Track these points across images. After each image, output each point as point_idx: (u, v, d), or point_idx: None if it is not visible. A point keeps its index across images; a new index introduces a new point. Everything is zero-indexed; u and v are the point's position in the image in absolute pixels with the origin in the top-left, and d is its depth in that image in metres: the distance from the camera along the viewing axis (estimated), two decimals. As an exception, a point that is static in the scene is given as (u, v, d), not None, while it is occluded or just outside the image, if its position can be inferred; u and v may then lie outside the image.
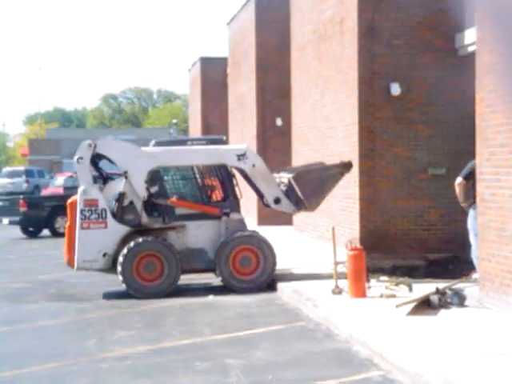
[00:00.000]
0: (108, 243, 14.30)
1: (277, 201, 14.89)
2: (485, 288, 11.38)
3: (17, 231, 28.48)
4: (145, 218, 14.47)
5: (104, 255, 14.31)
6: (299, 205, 15.07)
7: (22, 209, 27.45)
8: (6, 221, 28.17)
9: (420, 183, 16.05)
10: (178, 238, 14.63)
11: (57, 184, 35.29)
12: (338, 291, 12.96)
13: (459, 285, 12.41)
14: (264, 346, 10.31)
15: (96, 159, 14.73)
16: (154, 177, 14.70)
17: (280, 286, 14.45)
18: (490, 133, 11.19)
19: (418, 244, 15.96)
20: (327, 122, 18.38)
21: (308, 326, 11.42)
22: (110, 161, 14.63)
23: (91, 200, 14.24)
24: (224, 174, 15.08)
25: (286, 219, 23.26)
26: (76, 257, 14.30)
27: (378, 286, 13.36)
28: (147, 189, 14.47)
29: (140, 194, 14.36)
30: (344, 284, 12.93)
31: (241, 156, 14.68)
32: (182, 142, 15.80)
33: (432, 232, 16.03)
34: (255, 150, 27.04)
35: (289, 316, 12.25)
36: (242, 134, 29.84)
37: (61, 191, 30.77)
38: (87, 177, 14.38)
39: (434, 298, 11.45)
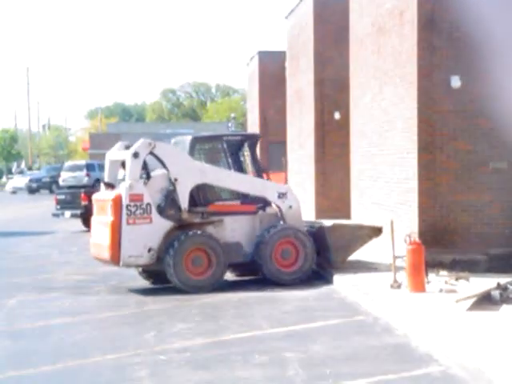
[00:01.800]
0: (153, 238, 14.37)
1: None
2: (547, 284, 11.18)
3: (78, 224, 28.94)
4: (186, 214, 14.62)
5: (149, 250, 14.37)
6: (321, 256, 15.33)
7: (84, 202, 27.87)
8: (67, 214, 28.66)
9: (481, 177, 15.82)
10: (216, 232, 14.86)
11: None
12: (396, 285, 12.88)
13: (521, 280, 12.22)
14: (322, 339, 10.30)
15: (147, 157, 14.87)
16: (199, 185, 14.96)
17: (338, 279, 14.42)
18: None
19: (478, 238, 15.74)
20: (386, 115, 18.24)
21: (366, 321, 11.38)
22: (162, 163, 14.75)
23: (137, 195, 14.30)
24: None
25: (344, 212, 23.20)
26: (122, 252, 14.25)
27: (438, 280, 13.24)
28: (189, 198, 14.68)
29: (182, 204, 14.55)
30: (403, 278, 12.84)
31: (281, 194, 15.14)
32: (218, 138, 15.83)
33: (493, 226, 15.79)
34: (313, 144, 27.10)
35: (347, 310, 12.21)
36: (300, 127, 29.80)
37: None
38: (137, 173, 14.44)
39: (496, 294, 11.30)
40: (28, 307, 13.72)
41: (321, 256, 15.30)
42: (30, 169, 76.85)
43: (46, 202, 40.80)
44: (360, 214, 20.97)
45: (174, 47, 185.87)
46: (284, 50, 34.61)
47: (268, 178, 15.62)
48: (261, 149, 41.64)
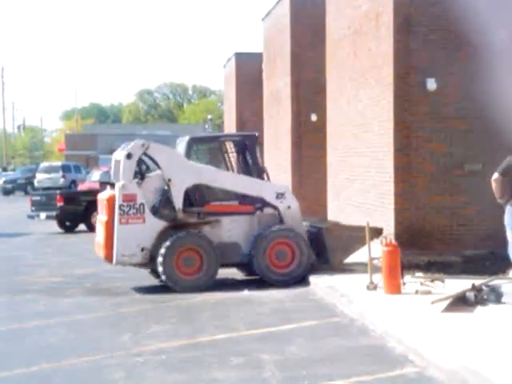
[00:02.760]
0: (146, 238, 14.49)
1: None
2: (522, 285, 11.26)
3: (54, 226, 28.76)
4: (181, 213, 14.64)
5: (142, 249, 14.50)
6: (320, 257, 15.28)
7: (59, 204, 27.74)
8: (43, 215, 28.48)
9: (456, 179, 15.93)
10: (213, 232, 14.82)
11: (93, 179, 35.58)
12: (372, 287, 12.92)
13: (496, 281, 12.29)
14: (298, 341, 10.31)
15: (141, 158, 14.87)
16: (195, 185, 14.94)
17: (314, 281, 14.44)
18: (527, 128, 11.06)
19: (453, 240, 15.85)
20: (362, 117, 18.31)
21: (343, 322, 11.40)
22: (156, 164, 14.80)
23: (130, 195, 14.45)
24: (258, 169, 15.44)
25: (320, 214, 23.24)
26: (115, 251, 14.46)
27: (413, 282, 13.28)
28: (184, 199, 14.67)
29: (176, 204, 14.58)
30: (379, 280, 12.89)
31: (279, 195, 15.01)
32: (216, 138, 15.89)
33: (468, 228, 15.90)
34: (289, 146, 27.13)
35: (323, 311, 12.24)
36: (277, 129, 29.83)
37: (97, 186, 31.03)
38: (130, 173, 14.57)
39: (470, 295, 11.35)
40: (2, 309, 13.62)
41: (320, 257, 15.24)
42: (4, 170, 76.33)
43: (21, 204, 40.49)
44: (336, 216, 21.02)
45: (151, 48, 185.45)
46: (261, 51, 34.65)
47: (268, 179, 15.49)
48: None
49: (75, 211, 27.59)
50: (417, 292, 12.49)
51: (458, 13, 15.77)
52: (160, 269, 14.40)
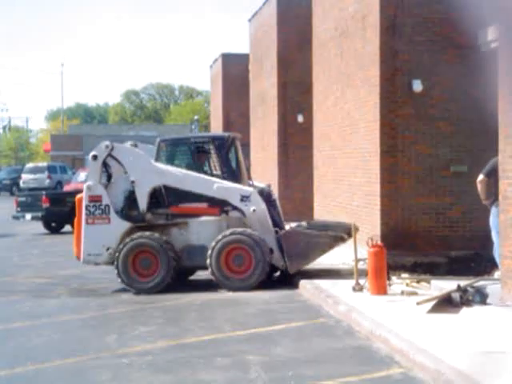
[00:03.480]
0: (111, 238, 14.74)
1: (269, 251, 14.58)
2: (507, 286, 11.32)
3: (39, 227, 28.67)
4: (149, 215, 14.83)
5: (107, 249, 14.76)
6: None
7: (45, 204, 27.65)
8: (28, 216, 28.38)
9: (442, 180, 15.98)
10: (181, 234, 14.88)
11: (79, 180, 35.43)
12: (358, 288, 12.94)
13: (481, 282, 12.36)
14: (284, 342, 10.31)
15: (108, 159, 15.08)
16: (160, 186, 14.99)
17: (301, 282, 14.44)
18: (512, 130, 11.10)
19: (439, 241, 15.89)
20: (348, 118, 18.34)
21: (329, 323, 11.41)
22: (121, 165, 14.97)
23: (96, 196, 14.82)
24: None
25: (307, 215, 23.26)
26: (82, 250, 14.83)
27: (399, 283, 13.33)
28: (148, 200, 14.80)
29: (140, 206, 14.77)
30: (365, 281, 12.91)
31: (244, 197, 14.65)
32: (186, 140, 15.85)
33: (454, 229, 15.95)
34: (276, 147, 27.15)
35: (309, 313, 12.24)
36: (264, 130, 29.85)
37: (83, 187, 30.94)
38: (96, 174, 14.96)
39: (456, 296, 11.39)
40: (-13, 311, 13.56)
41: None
42: (-10, 171, 76.01)
43: (7, 205, 40.33)
44: (323, 217, 21.04)
45: (137, 48, 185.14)
46: (247, 52, 34.67)
47: (249, 179, 15.38)
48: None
49: (61, 212, 27.50)
50: (402, 293, 12.53)
51: (444, 14, 15.84)
52: (116, 270, 14.64)
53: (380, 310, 11.30)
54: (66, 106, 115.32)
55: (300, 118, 26.68)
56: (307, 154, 23.64)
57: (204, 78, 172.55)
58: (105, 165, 15.06)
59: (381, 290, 12.57)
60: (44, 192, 29.99)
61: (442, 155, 16.00)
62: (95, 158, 14.93)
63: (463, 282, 11.99)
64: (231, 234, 14.47)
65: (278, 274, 15.48)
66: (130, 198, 14.86)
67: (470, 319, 10.53)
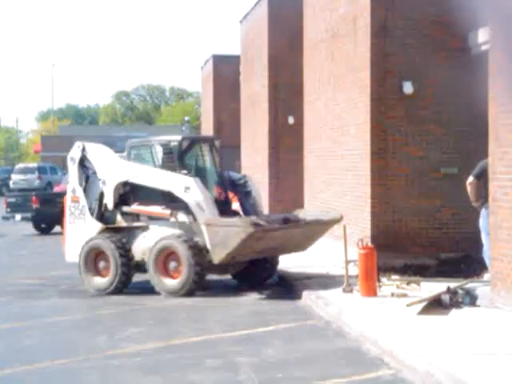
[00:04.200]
0: (87, 237, 15.09)
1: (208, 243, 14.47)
2: (496, 288, 11.35)
3: (29, 227, 28.58)
4: (118, 217, 15.21)
5: None
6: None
7: (35, 205, 27.57)
8: (18, 217, 28.29)
9: (432, 182, 16.01)
10: (144, 237, 14.95)
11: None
12: (348, 290, 12.95)
13: (471, 284, 12.38)
14: (274, 343, 10.31)
15: (83, 160, 15.57)
16: (125, 183, 15.23)
17: (291, 284, 14.45)
18: (502, 132, 11.15)
19: (429, 243, 15.92)
20: (339, 120, 18.36)
21: (319, 325, 11.42)
22: (91, 164, 15.47)
23: (75, 197, 15.47)
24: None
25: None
26: (66, 249, 15.58)
27: (389, 284, 13.34)
28: (116, 198, 15.13)
29: (108, 203, 15.14)
30: (355, 282, 12.92)
31: (187, 188, 14.51)
32: (147, 142, 15.87)
33: (444, 231, 15.99)
34: (267, 148, 27.15)
35: (300, 314, 12.25)
36: (254, 131, 29.85)
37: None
38: (74, 176, 15.52)
39: (446, 298, 11.43)
40: (-24, 311, 13.51)
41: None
42: (-21, 171, 75.70)
43: (-3, 205, 40.17)
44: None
45: (128, 49, 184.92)
46: (238, 53, 34.67)
47: (222, 170, 15.37)
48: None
49: (51, 213, 27.39)
50: (393, 295, 12.55)
51: (435, 17, 15.88)
52: (79, 269, 15.08)
53: (370, 312, 11.32)
54: (56, 107, 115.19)
55: (291, 120, 26.69)
56: (298, 156, 23.64)
57: (195, 79, 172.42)
58: (83, 166, 15.56)
59: (371, 291, 12.58)
60: (34, 193, 29.92)
61: (433, 157, 16.04)
62: (72, 159, 15.56)
63: (453, 284, 12.02)
64: (162, 239, 14.39)
65: (271, 279, 15.53)
66: (103, 199, 15.30)
67: (459, 321, 10.56)
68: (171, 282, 14.17)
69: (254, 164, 29.62)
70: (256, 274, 15.35)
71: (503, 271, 11.14)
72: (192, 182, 14.46)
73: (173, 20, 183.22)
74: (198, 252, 14.04)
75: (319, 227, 15.20)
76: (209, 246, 13.98)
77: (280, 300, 13.59)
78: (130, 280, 14.85)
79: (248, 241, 13.46)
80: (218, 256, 13.85)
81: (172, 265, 14.24)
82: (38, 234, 28.13)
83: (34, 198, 27.84)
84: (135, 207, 15.08)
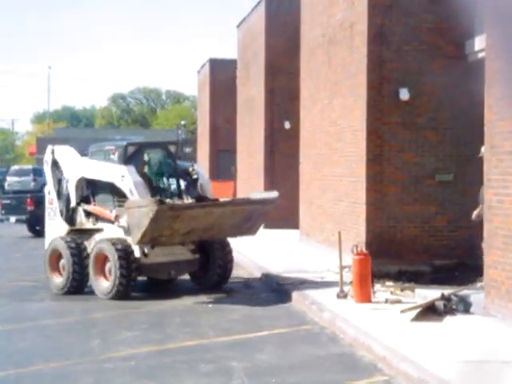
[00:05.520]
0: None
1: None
2: (490, 295, 11.36)
3: (23, 229, 28.53)
4: (83, 219, 15.61)
5: None
6: None
7: (29, 207, 27.53)
8: (12, 219, 28.24)
9: (427, 189, 16.03)
10: (98, 239, 15.16)
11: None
12: (343, 295, 12.95)
13: (465, 291, 12.40)
14: (268, 349, 10.31)
15: (56, 162, 16.09)
16: (85, 183, 15.67)
17: (285, 289, 14.44)
18: (498, 140, 11.17)
19: (424, 250, 15.94)
20: (335, 126, 18.38)
21: (313, 330, 11.42)
22: (60, 165, 16.01)
23: (51, 199, 16.15)
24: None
25: (292, 222, 23.29)
26: (46, 247, 15.95)
27: (384, 291, 13.35)
28: (79, 196, 15.64)
29: (72, 201, 15.64)
30: (349, 288, 12.92)
31: (122, 177, 14.89)
32: (102, 148, 16.03)
33: (438, 238, 16.00)
34: (262, 153, 27.15)
35: (294, 319, 12.24)
36: (250, 136, 29.86)
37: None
38: (49, 178, 16.14)
39: (440, 304, 11.43)
40: (-30, 313, 13.47)
41: None
42: (-26, 173, 75.47)
43: (-9, 207, 40.08)
44: (308, 225, 21.07)
45: (125, 52, 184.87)
46: (235, 58, 34.69)
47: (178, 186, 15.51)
48: (210, 157, 41.67)
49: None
50: (387, 301, 12.55)
51: (432, 24, 15.92)
52: (45, 269, 15.51)
53: (364, 318, 11.32)
54: (52, 109, 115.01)
55: (287, 125, 26.71)
56: (293, 161, 23.66)
57: (191, 83, 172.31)
58: (56, 169, 16.07)
59: (365, 297, 12.58)
60: (29, 195, 29.84)
61: (428, 164, 16.06)
62: (46, 163, 16.20)
63: (447, 291, 12.03)
64: (97, 243, 14.90)
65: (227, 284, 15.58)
66: (70, 201, 15.72)
67: (453, 328, 10.57)
68: (105, 284, 14.57)
69: (250, 168, 29.62)
70: (208, 277, 15.47)
71: (497, 279, 11.15)
72: (125, 170, 14.91)
73: (170, 23, 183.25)
74: (125, 255, 14.25)
75: (251, 207, 15.00)
76: (128, 230, 14.37)
77: (274, 305, 13.58)
78: (85, 280, 15.01)
79: (160, 220, 13.61)
80: (134, 237, 14.05)
81: (107, 267, 14.57)
82: (32, 237, 28.06)
83: (28, 200, 27.80)
84: (89, 207, 15.53)
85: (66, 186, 15.75)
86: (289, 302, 13.75)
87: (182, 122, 67.96)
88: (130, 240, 14.35)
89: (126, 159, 15.17)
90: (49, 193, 16.20)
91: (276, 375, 8.96)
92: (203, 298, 14.36)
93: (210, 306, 13.61)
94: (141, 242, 14.11)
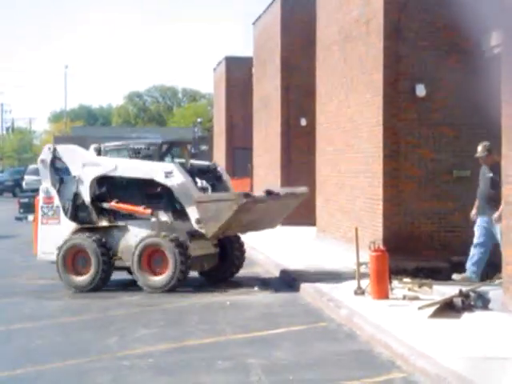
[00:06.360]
0: (61, 237, 15.41)
1: (198, 221, 14.77)
2: (509, 291, 11.30)
3: (41, 228, 28.57)
4: (94, 217, 15.50)
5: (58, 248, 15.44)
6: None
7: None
8: (31, 218, 28.29)
9: (444, 185, 15.97)
10: (121, 236, 15.33)
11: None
12: (360, 292, 12.93)
13: (483, 288, 12.34)
14: (286, 346, 10.31)
15: (55, 161, 15.94)
16: (102, 180, 15.64)
17: (302, 286, 14.44)
18: (515, 135, 11.10)
19: (441, 246, 15.89)
20: (352, 122, 18.35)
21: (330, 327, 11.41)
22: (65, 163, 15.85)
23: (49, 198, 15.78)
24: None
25: (309, 219, 23.27)
26: (38, 249, 15.93)
27: (401, 287, 13.32)
28: (93, 193, 15.54)
29: (85, 198, 15.47)
30: (366, 285, 12.90)
31: (168, 174, 14.95)
32: (127, 145, 16.27)
33: (456, 234, 15.94)
34: (279, 150, 27.15)
35: (311, 316, 12.24)
36: (266, 133, 29.86)
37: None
38: (47, 177, 15.82)
39: (458, 301, 11.38)
40: (-11, 312, 13.56)
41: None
42: (-8, 171, 75.96)
43: (9, 206, 40.34)
44: (325, 222, 21.05)
45: (141, 50, 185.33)
46: (251, 55, 34.69)
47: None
48: (226, 154, 41.72)
49: (63, 213, 27.44)
50: (404, 297, 12.52)
51: (447, 20, 15.85)
52: (57, 268, 15.30)
53: (382, 315, 11.29)
54: (69, 108, 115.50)
55: (303, 122, 26.69)
56: (310, 158, 23.64)
57: (207, 81, 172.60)
58: (55, 168, 15.92)
59: (382, 294, 12.56)
60: (47, 193, 29.91)
61: (445, 160, 16.00)
62: (42, 161, 15.85)
63: (465, 287, 11.98)
64: (148, 236, 14.85)
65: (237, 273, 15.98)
66: (78, 200, 15.59)
67: (471, 324, 10.52)
68: (155, 279, 14.68)
69: (266, 166, 29.62)
70: (224, 268, 15.94)
71: (516, 275, 11.08)
72: (173, 167, 15.08)
73: (185, 21, 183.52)
74: (183, 250, 14.61)
75: (291, 201, 15.91)
76: (196, 224, 14.60)
77: (291, 302, 13.58)
78: (109, 278, 15.32)
79: (239, 213, 14.19)
80: (211, 230, 14.54)
81: (156, 262, 14.69)
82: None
83: (46, 198, 27.88)
84: (115, 205, 15.43)
85: (76, 184, 15.55)
86: (306, 299, 13.75)
87: (199, 120, 68.05)
88: (174, 235, 14.67)
89: (161, 156, 15.61)
90: (46, 192, 15.78)
91: (293, 372, 8.96)
92: (220, 295, 14.39)
93: (228, 303, 13.62)
94: (215, 235, 14.76)
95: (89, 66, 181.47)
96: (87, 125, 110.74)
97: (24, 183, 50.72)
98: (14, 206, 31.75)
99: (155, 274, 14.76)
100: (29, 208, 28.58)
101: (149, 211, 15.08)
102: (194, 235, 15.05)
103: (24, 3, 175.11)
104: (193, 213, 14.70)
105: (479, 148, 13.81)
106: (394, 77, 15.88)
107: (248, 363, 9.41)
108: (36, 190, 32.60)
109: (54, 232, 15.59)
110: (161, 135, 63.97)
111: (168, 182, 14.93)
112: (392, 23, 15.84)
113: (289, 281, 15.44)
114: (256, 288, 14.77)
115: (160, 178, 15.00)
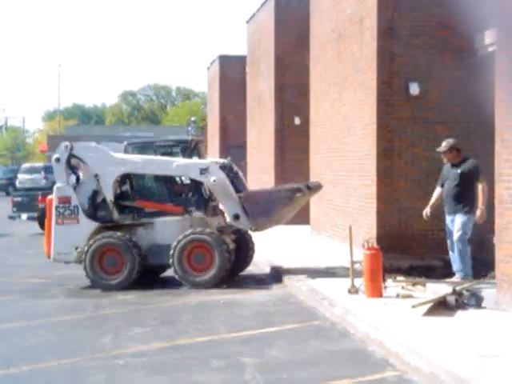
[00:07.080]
0: (80, 237, 15.31)
1: (235, 217, 15.10)
2: (502, 289, 11.32)
3: (35, 227, 28.61)
4: (116, 215, 15.36)
5: (76, 248, 15.28)
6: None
7: (41, 205, 27.54)
8: (24, 216, 28.32)
9: (438, 183, 15.96)
10: (147, 234, 15.34)
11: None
12: (354, 291, 12.94)
13: (476, 286, 12.36)
14: (279, 344, 10.31)
15: (71, 159, 15.73)
16: (124, 178, 15.64)
17: (296, 284, 14.46)
18: (508, 134, 11.12)
19: (435, 244, 15.88)
20: (345, 121, 18.35)
21: (324, 325, 11.42)
22: (84, 162, 15.67)
23: (65, 197, 15.39)
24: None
25: (302, 217, 23.25)
26: (52, 250, 15.46)
27: (395, 286, 13.33)
28: (115, 191, 15.47)
29: (107, 197, 15.30)
30: (360, 283, 12.91)
31: (203, 170, 15.09)
32: (151, 144, 16.49)
33: (449, 232, 15.92)
34: (272, 149, 27.15)
35: (305, 315, 12.25)
36: (260, 132, 29.85)
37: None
38: (62, 176, 15.54)
39: (451, 299, 11.40)
40: (-18, 311, 13.54)
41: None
42: (-15, 170, 75.76)
43: (3, 205, 40.28)
44: (319, 220, 21.06)
45: (135, 49, 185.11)
46: (245, 54, 34.68)
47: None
48: (220, 152, 41.73)
49: (57, 212, 27.40)
50: (398, 296, 12.53)
51: (441, 18, 15.86)
52: (84, 268, 15.15)
53: (375, 313, 11.31)
54: (62, 107, 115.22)
55: (297, 121, 26.69)
56: (304, 157, 23.64)
57: (201, 80, 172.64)
58: (71, 166, 15.73)
59: (376, 292, 12.57)
60: (40, 192, 29.91)
61: (439, 158, 15.99)
62: (58, 160, 15.53)
63: (459, 286, 12.00)
64: (192, 233, 14.93)
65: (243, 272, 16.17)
66: (97, 198, 15.43)
67: (465, 322, 10.54)
68: (198, 275, 14.81)
69: (260, 164, 29.62)
70: (239, 262, 16.11)
71: (509, 273, 11.11)
72: (209, 164, 15.26)
73: (179, 20, 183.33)
74: (227, 247, 14.87)
75: (307, 197, 16.29)
76: (233, 220, 15.03)
77: (285, 300, 13.59)
78: (139, 275, 15.21)
79: (289, 205, 14.86)
80: (261, 225, 15.14)
81: (198, 258, 14.82)
82: (43, 234, 28.11)
83: (39, 197, 27.86)
84: (144, 202, 15.43)
85: (97, 182, 15.37)
86: (300, 297, 13.76)
87: (192, 119, 68.01)
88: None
89: (190, 154, 15.81)
90: (62, 191, 15.38)
91: (287, 370, 8.97)
92: (214, 294, 14.39)
93: (222, 302, 13.62)
94: (266, 228, 15.37)
95: (82, 65, 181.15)
96: (81, 123, 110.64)
97: (17, 182, 50.59)
98: (8, 205, 31.69)
99: (196, 270, 14.84)
100: (22, 207, 28.57)
101: (181, 208, 15.21)
102: (222, 231, 15.31)
103: (17, 2, 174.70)
104: (231, 209, 14.99)
105: (443, 143, 13.88)
106: (387, 75, 15.88)
107: (242, 362, 9.42)
108: (29, 189, 32.60)
109: (72, 232, 15.25)
110: (154, 134, 63.93)
111: (203, 179, 15.11)
112: (385, 22, 15.83)
113: (283, 279, 15.44)
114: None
115: (195, 175, 15.16)
